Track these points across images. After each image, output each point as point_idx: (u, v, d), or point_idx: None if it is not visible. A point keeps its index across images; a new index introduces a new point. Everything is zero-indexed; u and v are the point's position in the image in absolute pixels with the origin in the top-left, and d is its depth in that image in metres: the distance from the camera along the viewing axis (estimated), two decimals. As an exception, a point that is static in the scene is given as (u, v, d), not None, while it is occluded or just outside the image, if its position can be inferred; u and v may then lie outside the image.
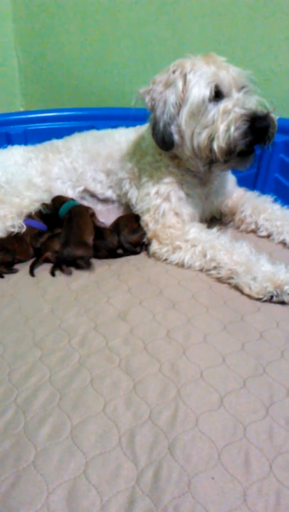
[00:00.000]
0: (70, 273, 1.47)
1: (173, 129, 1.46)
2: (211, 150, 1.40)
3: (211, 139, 1.39)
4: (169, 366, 1.03)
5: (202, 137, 1.42)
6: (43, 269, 1.52)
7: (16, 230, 1.57)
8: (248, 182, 2.00)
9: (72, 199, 1.78)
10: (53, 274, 1.47)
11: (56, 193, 1.81)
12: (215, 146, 1.38)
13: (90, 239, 1.55)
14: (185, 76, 1.43)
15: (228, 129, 1.35)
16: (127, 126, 1.89)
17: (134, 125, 1.84)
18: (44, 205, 1.68)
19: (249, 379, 0.98)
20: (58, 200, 1.74)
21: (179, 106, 1.45)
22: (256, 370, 1.01)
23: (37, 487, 0.77)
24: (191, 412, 0.90)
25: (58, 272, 1.48)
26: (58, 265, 1.49)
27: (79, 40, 2.62)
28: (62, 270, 1.49)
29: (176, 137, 1.47)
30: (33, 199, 1.64)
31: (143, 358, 1.06)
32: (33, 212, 1.65)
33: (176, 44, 2.23)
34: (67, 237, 1.54)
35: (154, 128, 1.49)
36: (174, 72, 1.46)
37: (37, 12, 2.72)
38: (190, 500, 0.74)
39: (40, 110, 2.42)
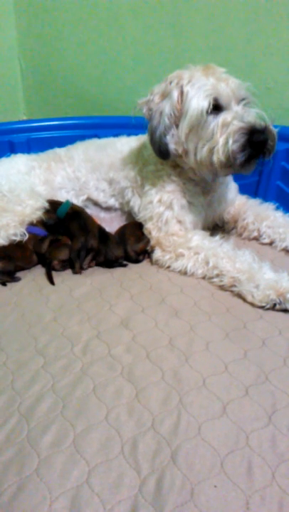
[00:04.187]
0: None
1: (168, 139, 1.47)
2: (212, 163, 1.41)
3: (211, 152, 1.40)
4: (172, 374, 1.03)
5: (204, 151, 1.42)
6: (46, 277, 1.52)
7: (18, 238, 1.57)
8: (249, 190, 2.01)
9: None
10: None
11: None
12: (214, 159, 1.39)
13: None
14: (181, 87, 1.44)
15: (226, 142, 1.35)
16: (129, 134, 1.90)
17: (136, 134, 1.85)
18: (46, 214, 1.68)
19: (251, 387, 0.98)
20: (55, 203, 1.75)
21: (175, 117, 1.45)
22: (259, 378, 1.01)
23: (40, 495, 0.77)
24: (193, 420, 0.91)
25: (60, 280, 1.49)
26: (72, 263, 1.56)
27: (81, 49, 2.64)
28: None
29: (172, 147, 1.48)
30: (34, 207, 1.65)
31: (145, 366, 1.06)
32: (35, 221, 1.66)
33: (177, 53, 2.25)
34: (103, 233, 1.62)
35: (152, 138, 1.50)
36: (170, 83, 1.47)
37: (40, 21, 2.75)
38: (192, 508, 0.74)
39: (43, 119, 2.44)
